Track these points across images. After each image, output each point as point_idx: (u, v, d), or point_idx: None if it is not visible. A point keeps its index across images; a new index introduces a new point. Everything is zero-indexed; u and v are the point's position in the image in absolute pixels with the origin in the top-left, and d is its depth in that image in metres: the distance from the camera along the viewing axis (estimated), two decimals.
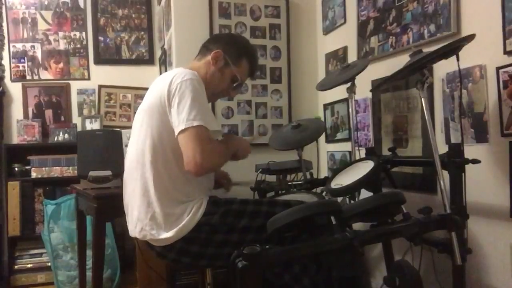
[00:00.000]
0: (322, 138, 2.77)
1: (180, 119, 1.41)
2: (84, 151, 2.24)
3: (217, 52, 1.63)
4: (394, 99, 2.19)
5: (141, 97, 1.71)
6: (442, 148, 1.69)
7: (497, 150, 1.64)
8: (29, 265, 3.14)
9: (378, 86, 2.10)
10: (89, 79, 3.54)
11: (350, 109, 2.16)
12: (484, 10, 1.68)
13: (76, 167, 2.55)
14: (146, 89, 1.67)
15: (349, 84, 2.07)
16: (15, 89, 3.40)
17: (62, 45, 3.51)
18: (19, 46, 3.43)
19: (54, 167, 3.23)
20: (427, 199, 1.96)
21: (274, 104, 2.85)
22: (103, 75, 3.55)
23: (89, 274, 2.43)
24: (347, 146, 2.55)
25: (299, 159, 2.20)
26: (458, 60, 1.55)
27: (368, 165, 1.69)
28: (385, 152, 2.12)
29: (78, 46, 3.53)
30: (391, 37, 2.17)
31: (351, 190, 1.72)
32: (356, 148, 2.22)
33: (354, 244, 1.26)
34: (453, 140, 1.80)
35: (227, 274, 1.32)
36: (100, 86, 3.53)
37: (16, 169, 3.21)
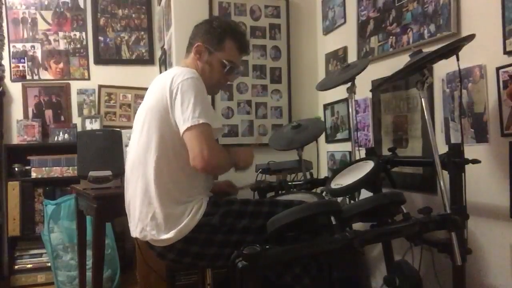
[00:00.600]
0: (322, 138, 2.77)
1: (185, 117, 1.41)
2: (84, 151, 2.24)
3: (198, 45, 1.63)
4: (394, 99, 2.19)
5: (141, 97, 1.70)
6: (442, 148, 1.69)
7: (497, 150, 1.64)
8: (29, 265, 3.14)
9: (378, 86, 2.10)
10: (89, 79, 3.54)
11: (350, 109, 2.16)
12: (484, 10, 1.68)
13: (76, 167, 2.55)
14: (146, 89, 1.67)
15: (349, 84, 2.07)
16: (15, 89, 3.40)
17: (62, 45, 3.50)
18: (19, 46, 3.43)
19: (54, 167, 3.22)
20: (427, 199, 1.96)
21: (274, 104, 2.85)
22: (103, 75, 3.55)
23: (89, 274, 2.43)
24: (347, 146, 2.55)
25: (299, 159, 2.20)
26: (458, 60, 1.55)
27: (368, 165, 1.69)
28: (385, 152, 2.11)
29: (78, 46, 3.53)
30: (391, 37, 2.17)
31: (351, 190, 1.72)
32: (356, 148, 2.22)
33: (354, 244, 1.26)
34: (453, 140, 1.80)
35: (227, 274, 1.32)
36: (100, 86, 3.53)
37: (16, 169, 3.21)
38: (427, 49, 1.68)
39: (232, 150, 1.66)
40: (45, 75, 3.47)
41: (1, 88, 3.30)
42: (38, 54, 3.46)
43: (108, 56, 3.57)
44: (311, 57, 2.96)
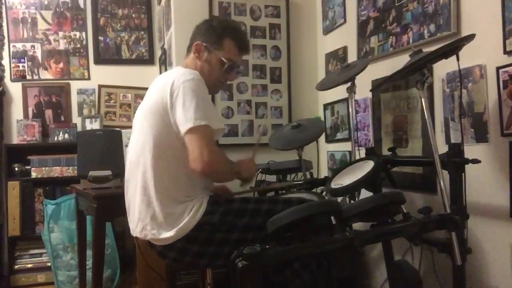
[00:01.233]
0: (322, 138, 2.77)
1: (187, 118, 1.40)
2: (84, 151, 2.24)
3: (197, 44, 1.63)
4: (394, 99, 2.19)
5: (141, 97, 1.70)
6: (442, 148, 1.69)
7: (497, 150, 1.64)
8: (29, 265, 3.14)
9: (378, 86, 2.10)
10: (89, 79, 3.54)
11: (350, 109, 2.17)
12: (484, 10, 1.68)
13: (76, 167, 2.55)
14: (146, 89, 1.66)
15: (349, 84, 2.07)
16: (15, 89, 3.40)
17: (62, 45, 3.50)
18: (19, 46, 3.43)
19: (54, 167, 3.22)
20: (427, 199, 1.96)
21: (274, 104, 2.85)
22: (103, 75, 3.55)
23: (89, 274, 2.43)
24: (347, 146, 2.55)
25: (299, 159, 2.20)
26: (458, 60, 1.55)
27: (368, 165, 1.69)
28: (385, 152, 2.11)
29: (78, 46, 3.53)
30: (391, 37, 2.17)
31: (351, 190, 1.72)
32: (356, 148, 2.22)
33: (354, 244, 1.26)
34: (453, 140, 1.80)
35: (227, 274, 1.32)
36: (100, 86, 3.53)
37: (16, 169, 3.21)
38: (427, 49, 1.68)
39: (236, 161, 1.66)
40: (45, 75, 3.47)
41: (1, 88, 3.30)
42: (38, 54, 3.46)
43: (108, 56, 3.57)
44: (311, 57, 2.96)
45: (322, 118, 2.86)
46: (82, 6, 3.54)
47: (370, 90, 2.20)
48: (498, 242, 1.65)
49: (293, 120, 2.73)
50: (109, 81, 3.55)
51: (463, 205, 1.56)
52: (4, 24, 3.40)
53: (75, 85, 3.51)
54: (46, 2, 3.47)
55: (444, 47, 1.49)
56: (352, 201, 1.92)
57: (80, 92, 3.51)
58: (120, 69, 3.58)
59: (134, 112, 1.70)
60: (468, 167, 1.57)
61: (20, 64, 3.42)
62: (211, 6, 2.69)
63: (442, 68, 1.83)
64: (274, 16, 2.85)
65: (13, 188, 3.13)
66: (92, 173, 2.16)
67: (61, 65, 3.50)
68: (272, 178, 2.35)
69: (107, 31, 3.57)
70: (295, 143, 2.15)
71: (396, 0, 2.14)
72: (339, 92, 2.33)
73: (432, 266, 1.82)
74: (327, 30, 2.84)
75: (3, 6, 3.39)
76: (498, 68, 1.60)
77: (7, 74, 3.39)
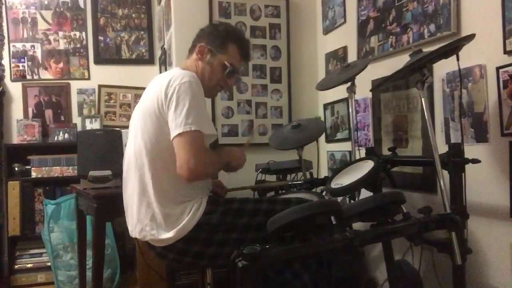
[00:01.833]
0: (322, 138, 2.77)
1: (177, 123, 1.40)
2: (84, 151, 2.24)
3: (200, 46, 1.63)
4: (394, 99, 2.19)
5: (141, 96, 1.70)
6: (442, 148, 1.69)
7: (497, 150, 1.64)
8: (29, 265, 3.14)
9: (378, 86, 2.10)
10: (89, 79, 3.54)
11: (350, 109, 2.17)
12: (484, 10, 1.68)
13: (76, 167, 2.55)
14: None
15: (349, 84, 2.07)
16: (15, 89, 3.40)
17: (62, 45, 3.50)
18: (19, 46, 3.43)
19: (54, 167, 3.22)
20: (427, 199, 1.96)
21: (274, 104, 2.85)
22: (103, 75, 3.55)
23: (89, 274, 2.43)
24: (347, 146, 2.55)
25: (299, 159, 2.20)
26: (458, 60, 1.55)
27: (368, 165, 1.69)
28: (385, 152, 2.11)
29: (78, 46, 3.53)
30: (391, 37, 2.17)
31: (351, 189, 1.72)
32: (356, 148, 2.22)
33: (354, 244, 1.26)
34: (453, 140, 1.80)
35: (227, 274, 1.32)
36: (100, 86, 3.53)
37: (16, 169, 3.21)
38: (427, 49, 1.68)
39: (226, 149, 1.66)
40: (45, 74, 3.47)
41: (1, 88, 3.30)
42: (38, 54, 3.46)
43: (108, 56, 3.57)
44: (311, 57, 2.96)
45: (322, 118, 2.85)
46: (82, 6, 3.54)
47: (370, 90, 2.20)
48: (498, 242, 1.65)
49: (293, 120, 2.73)
50: (109, 81, 3.55)
51: (463, 205, 1.56)
52: (4, 24, 3.40)
53: (75, 85, 3.51)
54: (46, 2, 3.47)
55: (444, 47, 1.49)
56: (352, 201, 1.92)
57: (80, 92, 3.51)
58: (120, 69, 3.58)
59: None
60: (468, 167, 1.57)
61: (20, 64, 3.42)
62: (211, 6, 2.69)
63: (442, 68, 1.83)
64: (274, 16, 2.85)
65: (13, 188, 3.13)
66: (92, 173, 2.16)
67: (61, 65, 3.49)
68: (272, 178, 2.35)
69: (107, 31, 3.57)
70: (295, 143, 2.15)
71: (396, 0, 2.14)
72: (339, 92, 2.33)
73: (432, 266, 1.82)
74: (327, 30, 2.84)
75: (3, 6, 3.39)
76: (498, 68, 1.60)
77: (7, 74, 3.39)
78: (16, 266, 3.12)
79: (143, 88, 1.69)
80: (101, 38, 3.56)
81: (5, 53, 3.40)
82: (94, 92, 3.52)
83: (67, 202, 2.98)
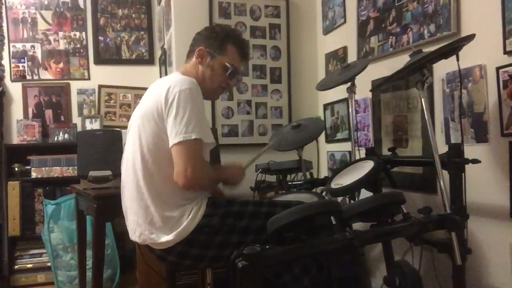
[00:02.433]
0: (322, 138, 2.77)
1: (177, 130, 1.39)
2: (84, 151, 2.24)
3: (200, 49, 1.62)
4: (394, 99, 2.19)
5: (141, 97, 1.69)
6: (442, 148, 1.69)
7: (497, 150, 1.64)
8: (29, 265, 3.14)
9: (378, 86, 2.10)
10: (89, 79, 3.53)
11: (350, 109, 2.17)
12: (484, 10, 1.68)
13: (76, 167, 2.55)
14: (146, 89, 1.66)
15: (349, 84, 2.07)
16: (15, 89, 3.40)
17: (62, 45, 3.50)
18: (19, 46, 3.43)
19: (54, 167, 3.22)
20: (427, 199, 1.96)
21: (274, 104, 2.85)
22: (103, 75, 3.55)
23: (89, 274, 2.43)
24: (347, 146, 2.55)
25: (299, 159, 2.20)
26: (458, 60, 1.55)
27: (368, 165, 1.69)
28: (385, 152, 2.12)
29: (78, 46, 3.53)
30: (391, 37, 2.17)
31: (351, 190, 1.72)
32: (356, 148, 2.22)
33: (354, 244, 1.26)
34: (453, 140, 1.80)
35: (227, 274, 1.32)
36: (100, 86, 3.53)
37: (16, 169, 3.20)
38: (427, 49, 1.68)
39: (225, 167, 1.67)
40: (45, 75, 3.47)
41: (1, 88, 3.30)
42: (38, 54, 3.46)
43: (108, 56, 3.57)
44: (311, 57, 2.96)
45: (322, 118, 2.86)
46: (82, 6, 3.54)
47: (370, 90, 2.20)
48: (498, 242, 1.65)
49: (293, 120, 2.73)
50: (109, 81, 3.54)
51: (463, 205, 1.56)
52: (4, 24, 3.40)
53: (75, 85, 3.51)
54: (46, 2, 3.47)
55: (444, 47, 1.49)
56: (352, 201, 1.92)
57: (80, 92, 3.51)
58: (120, 69, 3.58)
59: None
60: (468, 167, 1.57)
61: (20, 64, 3.42)
62: (211, 6, 2.69)
63: (442, 68, 1.83)
64: (274, 16, 2.85)
65: (13, 188, 3.12)
66: (92, 173, 2.16)
67: (61, 65, 3.49)
68: (272, 178, 2.35)
69: (107, 31, 3.57)
70: (295, 143, 2.15)
71: (396, 0, 2.14)
72: (339, 92, 2.33)
73: (432, 266, 1.82)
74: (327, 30, 2.84)
75: (3, 6, 3.39)
76: (498, 68, 1.60)
77: (7, 74, 3.38)
78: (16, 266, 3.12)
79: (143, 88, 1.68)
80: (101, 38, 3.56)
81: (5, 53, 3.40)
82: (94, 92, 3.52)
83: (67, 202, 2.98)
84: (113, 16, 3.58)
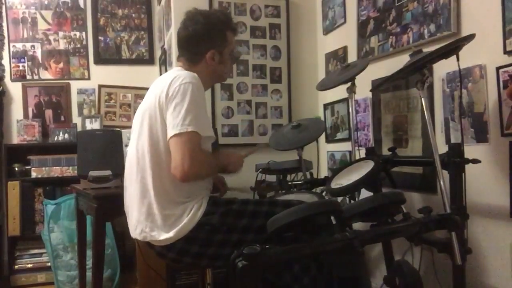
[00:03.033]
0: (322, 138, 2.77)
1: (174, 123, 1.40)
2: (84, 151, 2.24)
3: (211, 53, 1.61)
4: (394, 99, 2.19)
5: (141, 97, 1.69)
6: (442, 148, 1.69)
7: (497, 150, 1.64)
8: (29, 265, 3.14)
9: (378, 86, 2.10)
10: (89, 79, 3.53)
11: (350, 109, 2.17)
12: (484, 10, 1.68)
13: (76, 167, 2.55)
14: (146, 89, 1.66)
15: (349, 84, 2.07)
16: (15, 89, 3.40)
17: (62, 45, 3.50)
18: (19, 46, 3.43)
19: (54, 167, 3.22)
20: (427, 199, 1.96)
21: (274, 104, 2.85)
22: (103, 75, 3.55)
23: (89, 274, 2.43)
24: (347, 146, 2.55)
25: (299, 159, 2.20)
26: (458, 60, 1.55)
27: (368, 165, 1.69)
28: (385, 152, 2.11)
29: (78, 46, 3.53)
30: (391, 37, 2.17)
31: (351, 189, 1.72)
32: (356, 148, 2.22)
33: (354, 244, 1.26)
34: (453, 140, 1.80)
35: (227, 274, 1.32)
36: (100, 86, 3.53)
37: (16, 169, 3.20)
38: (427, 49, 1.68)
39: (223, 153, 1.67)
40: (45, 75, 3.47)
41: (1, 88, 3.30)
42: (38, 54, 3.46)
43: (108, 56, 3.57)
44: (311, 57, 2.96)
45: (322, 118, 2.85)
46: (82, 6, 3.53)
47: (370, 90, 2.20)
48: (498, 242, 1.65)
49: (293, 120, 2.73)
50: (109, 81, 3.54)
51: (463, 205, 1.56)
52: (4, 24, 3.40)
53: (75, 85, 3.51)
54: (46, 2, 3.47)
55: (444, 47, 1.49)
56: (352, 201, 1.92)
57: (80, 92, 3.51)
58: (120, 69, 3.58)
59: (134, 112, 1.69)
60: (468, 167, 1.57)
61: (20, 64, 3.42)
62: (211, 6, 2.69)
63: (442, 68, 1.83)
64: (274, 16, 2.85)
65: (13, 188, 3.12)
66: (92, 173, 2.15)
67: (61, 65, 3.49)
68: (272, 178, 2.35)
69: (107, 31, 3.57)
70: (295, 143, 2.15)
71: (396, 0, 2.14)
72: (339, 92, 2.33)
73: (432, 266, 1.82)
74: (327, 30, 2.84)
75: (3, 6, 3.39)
76: (498, 68, 1.60)
77: (7, 74, 3.38)
78: (16, 266, 3.12)
79: (143, 88, 1.69)
80: (101, 38, 3.56)
81: (5, 53, 3.39)
82: (94, 92, 3.52)
83: (67, 202, 2.98)
84: (113, 16, 3.58)
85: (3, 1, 3.39)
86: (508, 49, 1.56)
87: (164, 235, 1.45)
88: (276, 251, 1.23)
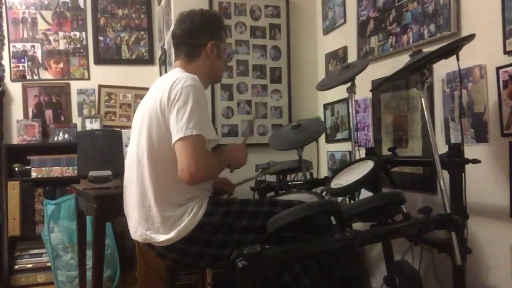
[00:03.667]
0: (322, 138, 2.77)
1: (178, 127, 1.39)
2: (84, 151, 2.24)
3: (211, 44, 1.62)
4: (394, 99, 2.19)
5: (141, 97, 1.69)
6: (442, 148, 1.69)
7: (497, 150, 1.64)
8: (29, 265, 3.14)
9: (378, 86, 2.10)
10: (89, 79, 3.54)
11: (350, 109, 2.17)
12: (484, 10, 1.68)
13: (76, 167, 2.55)
14: (146, 89, 1.66)
15: (349, 84, 2.07)
16: (15, 89, 3.40)
17: (62, 45, 3.50)
18: (19, 46, 3.43)
19: (54, 167, 3.22)
20: (427, 199, 1.96)
21: (274, 104, 2.85)
22: (103, 75, 3.55)
23: (89, 274, 2.43)
24: (347, 146, 2.55)
25: (299, 159, 2.20)
26: (458, 60, 1.55)
27: (368, 165, 1.69)
28: (385, 152, 2.11)
29: (78, 46, 3.53)
30: (391, 37, 2.17)
31: (351, 190, 1.72)
32: (356, 148, 2.22)
33: (354, 244, 1.26)
34: (453, 140, 1.80)
35: (227, 274, 1.32)
36: (100, 86, 3.53)
37: (16, 169, 3.21)
38: (427, 49, 1.68)
39: (226, 149, 1.65)
40: (45, 75, 3.47)
41: (1, 88, 3.30)
42: (38, 54, 3.46)
43: (108, 56, 3.57)
44: (311, 57, 2.96)
45: (322, 118, 2.85)
46: (82, 6, 3.54)
47: (370, 90, 2.20)
48: (498, 242, 1.65)
49: (293, 120, 2.73)
50: (109, 81, 3.55)
51: (463, 205, 1.56)
52: (4, 24, 3.40)
53: (75, 85, 3.51)
54: (46, 2, 3.47)
55: (444, 47, 1.49)
56: (352, 201, 1.92)
57: (80, 92, 3.51)
58: (120, 69, 3.58)
59: (134, 112, 1.69)
60: (468, 167, 1.57)
61: (20, 64, 3.42)
62: (211, 6, 2.69)
63: (442, 68, 1.83)
64: (274, 16, 2.85)
65: (13, 188, 3.13)
66: (92, 173, 2.16)
67: (61, 65, 3.50)
68: (272, 178, 2.35)
69: (107, 31, 3.57)
70: (295, 143, 2.15)
71: (396, 0, 2.14)
72: (339, 92, 2.33)
73: (432, 266, 1.82)
74: (327, 30, 2.84)
75: (3, 6, 3.39)
76: (498, 68, 1.60)
77: (7, 74, 3.39)
78: (16, 266, 3.12)
79: (143, 88, 1.69)
80: (101, 38, 3.56)
81: (5, 53, 3.40)
82: (94, 92, 3.52)
83: (67, 202, 2.98)
84: (113, 16, 3.58)
85: (3, 1, 3.39)
86: (508, 49, 1.56)
87: (164, 236, 1.44)
88: (276, 251, 1.23)
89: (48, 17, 3.48)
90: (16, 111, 3.39)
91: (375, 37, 2.30)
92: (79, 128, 3.41)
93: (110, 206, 1.96)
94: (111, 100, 3.54)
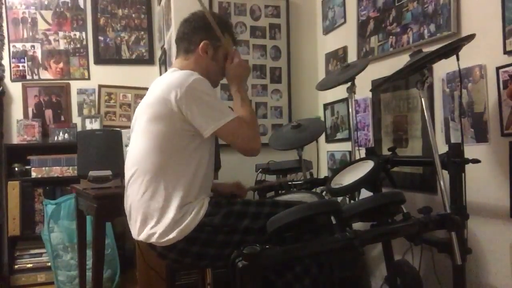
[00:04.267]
0: (322, 138, 2.77)
1: (212, 119, 1.46)
2: (84, 151, 2.24)
3: (204, 43, 1.60)
4: (394, 99, 2.19)
5: (141, 97, 1.68)
6: (442, 148, 1.69)
7: (497, 150, 1.64)
8: (29, 265, 3.14)
9: (378, 86, 2.10)
10: (89, 79, 3.53)
11: (350, 109, 2.17)
12: (484, 10, 1.68)
13: (76, 167, 2.55)
14: (146, 89, 1.65)
15: (349, 84, 2.07)
16: (15, 89, 3.40)
17: (62, 45, 3.50)
18: (19, 46, 3.43)
19: (54, 167, 3.22)
20: (427, 199, 1.96)
21: (274, 104, 2.85)
22: (103, 75, 3.55)
23: (89, 274, 2.43)
24: (347, 146, 2.55)
25: (299, 159, 2.20)
26: (458, 60, 1.55)
27: (368, 165, 1.69)
28: (385, 152, 2.11)
29: (78, 46, 3.53)
30: (391, 37, 2.17)
31: (351, 189, 1.72)
32: (356, 148, 2.22)
33: (354, 244, 1.26)
34: (453, 140, 1.80)
35: (227, 274, 1.32)
36: (100, 86, 3.53)
37: (16, 169, 3.20)
38: (427, 49, 1.68)
39: (239, 90, 1.72)
40: (45, 75, 3.47)
41: (1, 88, 3.30)
42: (38, 54, 3.46)
43: (108, 56, 3.57)
44: (311, 57, 2.96)
45: (322, 118, 2.86)
46: (82, 6, 3.54)
47: (370, 90, 2.20)
48: (498, 242, 1.65)
49: (293, 120, 2.73)
50: (109, 81, 3.54)
51: (463, 205, 1.56)
52: (4, 24, 3.40)
53: (75, 85, 3.51)
54: (46, 2, 3.47)
55: (444, 47, 1.49)
56: (352, 201, 1.92)
57: (80, 92, 3.51)
58: (120, 69, 3.58)
59: (134, 112, 1.68)
60: (468, 167, 1.57)
61: (20, 64, 3.42)
62: (211, 6, 2.69)
63: (442, 68, 1.83)
64: (274, 16, 2.85)
65: (13, 188, 3.12)
66: (92, 173, 2.15)
67: (61, 65, 3.49)
68: (272, 178, 2.35)
69: (107, 31, 3.57)
70: (295, 143, 2.15)
71: (396, 0, 2.14)
72: (339, 92, 2.33)
73: (432, 266, 1.82)
74: (327, 30, 2.84)
75: (3, 6, 3.39)
76: (498, 68, 1.60)
77: (7, 74, 3.38)
78: (16, 266, 3.12)
79: (143, 88, 1.68)
80: (101, 38, 3.56)
81: (5, 53, 3.39)
82: (94, 92, 3.52)
83: (67, 202, 2.98)
84: (113, 16, 3.58)
85: (3, 1, 3.39)
86: (508, 49, 1.56)
87: (165, 236, 1.44)
88: (276, 251, 1.23)
89: (48, 17, 3.48)
90: (16, 111, 3.39)
91: (375, 37, 2.30)
92: (79, 128, 3.41)
93: (110, 206, 1.96)
94: (111, 100, 3.54)
